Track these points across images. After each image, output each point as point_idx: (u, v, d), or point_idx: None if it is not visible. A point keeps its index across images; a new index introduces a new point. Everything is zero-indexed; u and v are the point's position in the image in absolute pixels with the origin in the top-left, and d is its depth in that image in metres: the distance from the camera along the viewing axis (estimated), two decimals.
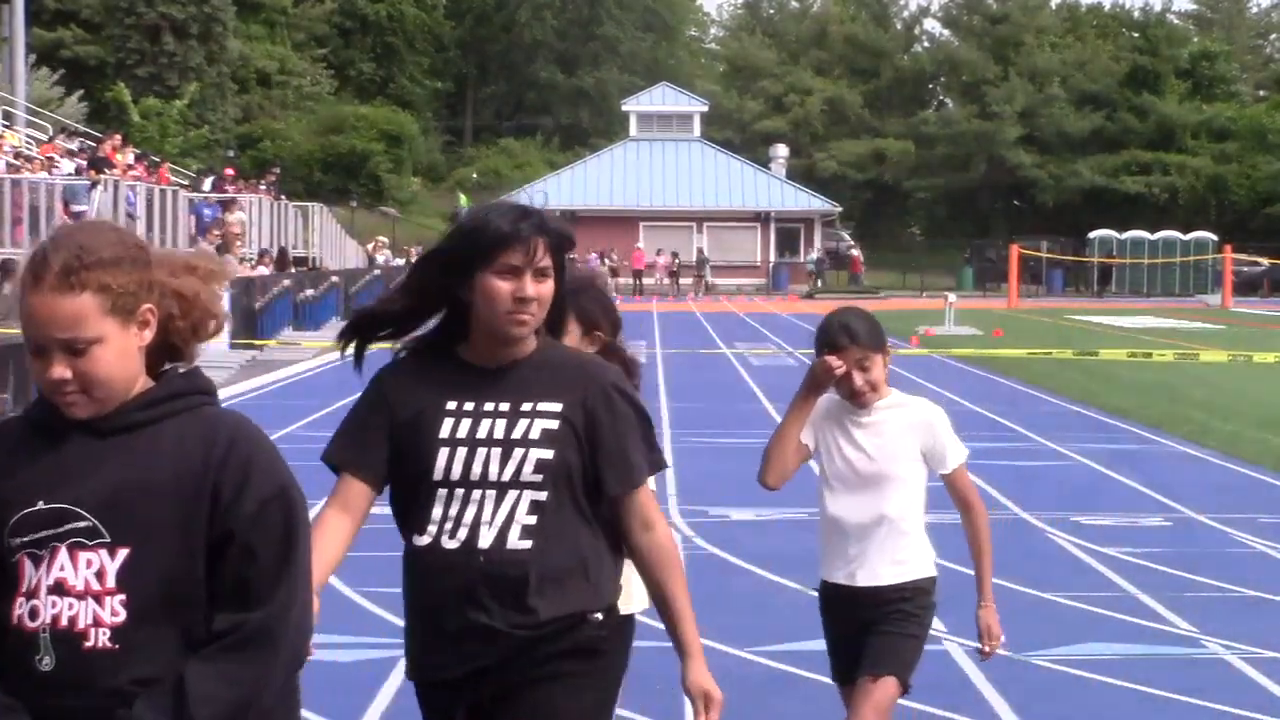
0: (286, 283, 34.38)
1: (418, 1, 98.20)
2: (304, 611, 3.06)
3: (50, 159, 32.65)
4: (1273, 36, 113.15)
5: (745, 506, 13.42)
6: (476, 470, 3.89)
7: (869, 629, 5.28)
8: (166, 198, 34.25)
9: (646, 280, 71.28)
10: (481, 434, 3.91)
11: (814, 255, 75.25)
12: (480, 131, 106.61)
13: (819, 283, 73.31)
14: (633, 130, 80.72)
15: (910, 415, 5.30)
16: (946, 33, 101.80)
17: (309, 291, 36.32)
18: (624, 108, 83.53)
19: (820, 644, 8.91)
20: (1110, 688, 8.06)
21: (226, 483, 3.00)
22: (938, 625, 9.24)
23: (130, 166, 34.92)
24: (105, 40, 72.75)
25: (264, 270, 37.26)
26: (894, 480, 5.27)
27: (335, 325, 37.94)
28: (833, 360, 5.18)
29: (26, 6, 47.40)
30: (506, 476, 3.88)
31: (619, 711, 7.51)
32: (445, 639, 3.95)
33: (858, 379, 5.21)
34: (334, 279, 40.31)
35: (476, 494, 3.89)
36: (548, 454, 3.87)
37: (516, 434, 3.89)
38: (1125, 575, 10.79)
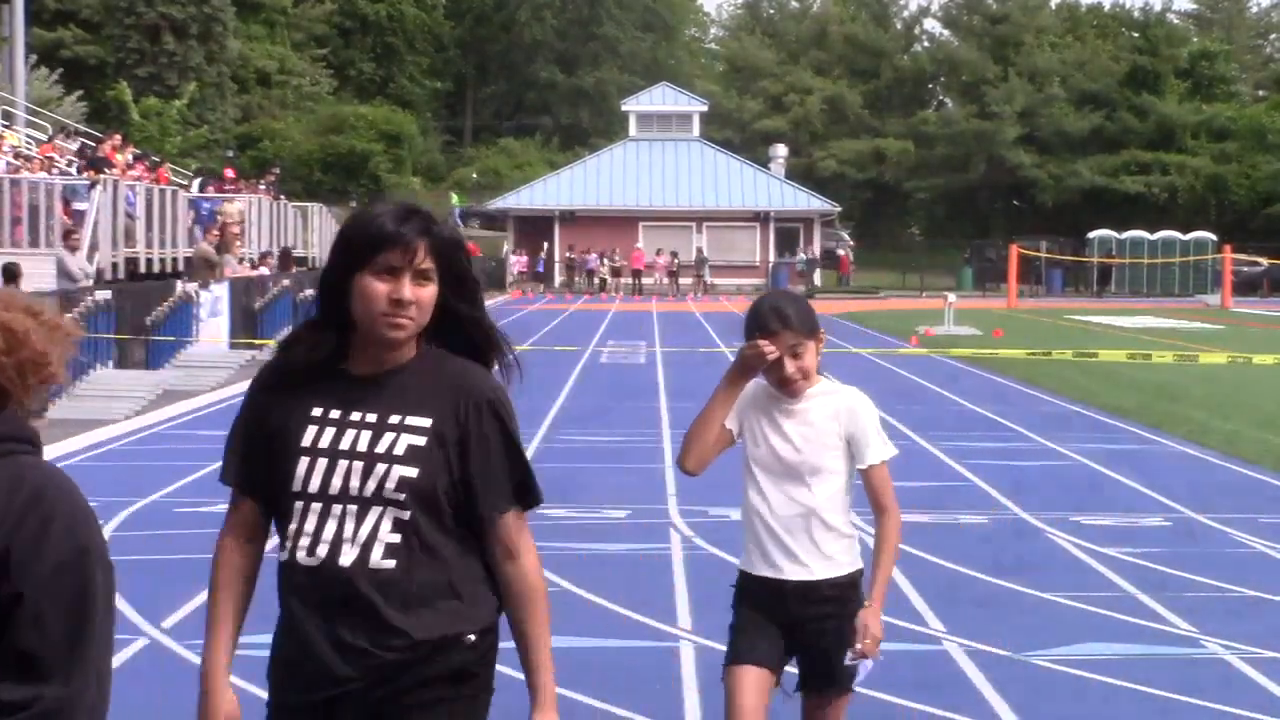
0: (286, 283, 34.37)
1: (418, 1, 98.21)
2: (100, 696, 2.74)
3: (50, 159, 32.64)
4: (1273, 36, 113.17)
5: None
6: (336, 484, 3.67)
7: (800, 629, 5.08)
8: (166, 197, 34.24)
9: (646, 280, 71.28)
10: (344, 445, 3.69)
11: (801, 255, 75.18)
12: (480, 131, 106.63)
13: (806, 284, 73.38)
14: (632, 130, 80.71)
15: (836, 402, 5.11)
16: (946, 33, 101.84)
17: (309, 291, 36.28)
18: (624, 108, 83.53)
19: None
20: (1110, 688, 8.06)
21: (21, 538, 2.70)
22: (937, 625, 9.26)
23: (130, 166, 34.91)
24: (105, 40, 72.75)
25: (265, 271, 37.28)
26: (821, 471, 5.06)
27: None
28: (764, 344, 5.01)
29: (26, 6, 47.40)
30: (369, 492, 3.66)
31: (618, 710, 7.53)
32: (308, 660, 3.71)
33: (789, 365, 5.04)
34: None
35: (337, 509, 3.67)
36: (411, 472, 3.65)
37: (380, 448, 3.67)
38: (1125, 575, 10.79)
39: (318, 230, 49.28)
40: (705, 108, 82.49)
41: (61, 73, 62.80)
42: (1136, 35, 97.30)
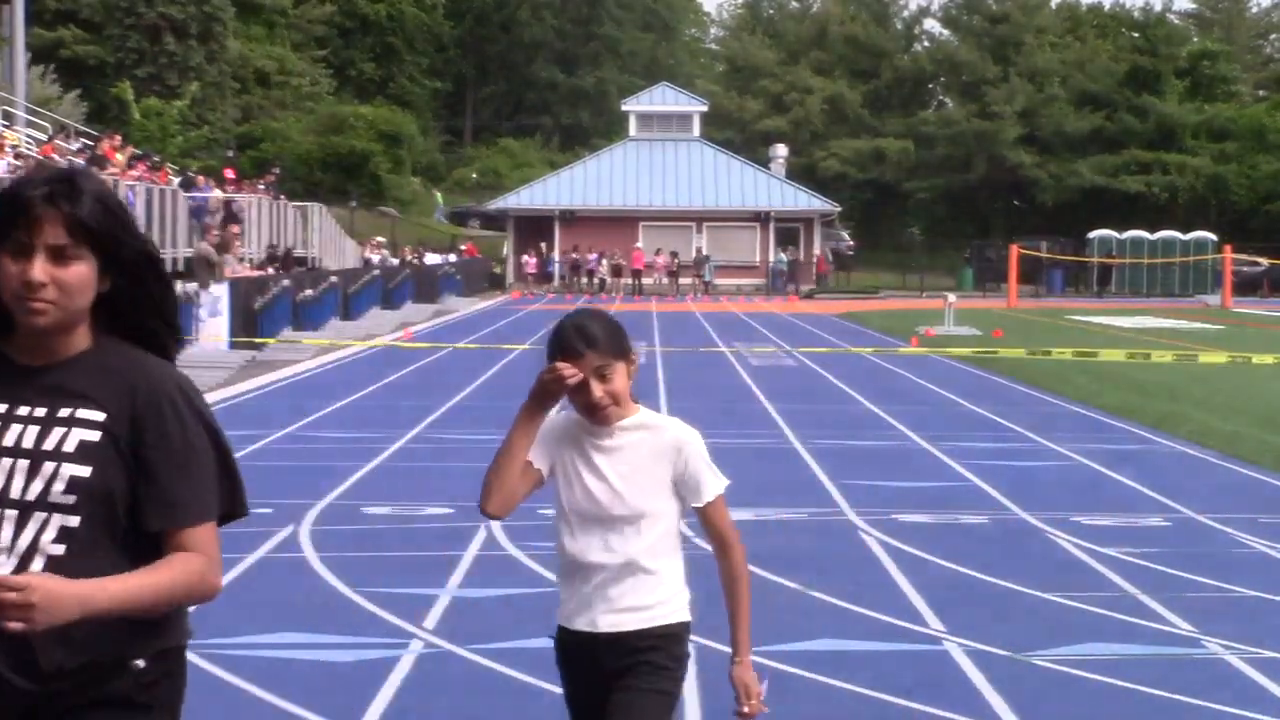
0: (286, 283, 34.38)
1: (418, 1, 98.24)
2: None
3: (50, 159, 32.64)
4: (1273, 36, 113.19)
5: (745, 506, 13.42)
6: None
7: (613, 683, 4.55)
8: (166, 197, 34.24)
9: (646, 280, 71.29)
10: (8, 442, 3.23)
11: (782, 256, 75.17)
12: (480, 131, 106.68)
13: (784, 283, 73.45)
14: (632, 130, 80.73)
15: (659, 439, 4.59)
16: (946, 33, 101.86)
17: (308, 291, 36.31)
18: (624, 108, 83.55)
19: (821, 644, 8.96)
20: (1110, 688, 8.05)
21: None
22: (937, 625, 9.26)
23: (130, 166, 34.93)
24: (105, 40, 72.77)
25: (271, 272, 37.33)
26: (641, 513, 4.54)
27: (334, 325, 37.96)
28: (564, 367, 4.49)
29: (26, 6, 47.41)
30: (32, 495, 3.20)
31: None
32: None
33: (596, 389, 4.53)
34: (333, 279, 40.30)
35: None
36: (83, 471, 3.21)
37: (49, 445, 3.22)
38: (1125, 575, 10.78)
39: (317, 230, 49.28)
40: (705, 108, 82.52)
41: (59, 72, 62.77)
42: (1136, 35, 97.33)
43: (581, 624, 4.58)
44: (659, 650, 4.56)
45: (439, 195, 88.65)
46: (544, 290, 70.98)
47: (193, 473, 3.27)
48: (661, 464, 4.58)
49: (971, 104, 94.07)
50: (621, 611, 4.55)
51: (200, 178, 41.08)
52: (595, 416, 4.57)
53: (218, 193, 37.22)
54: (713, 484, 4.64)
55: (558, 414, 4.64)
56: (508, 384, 24.96)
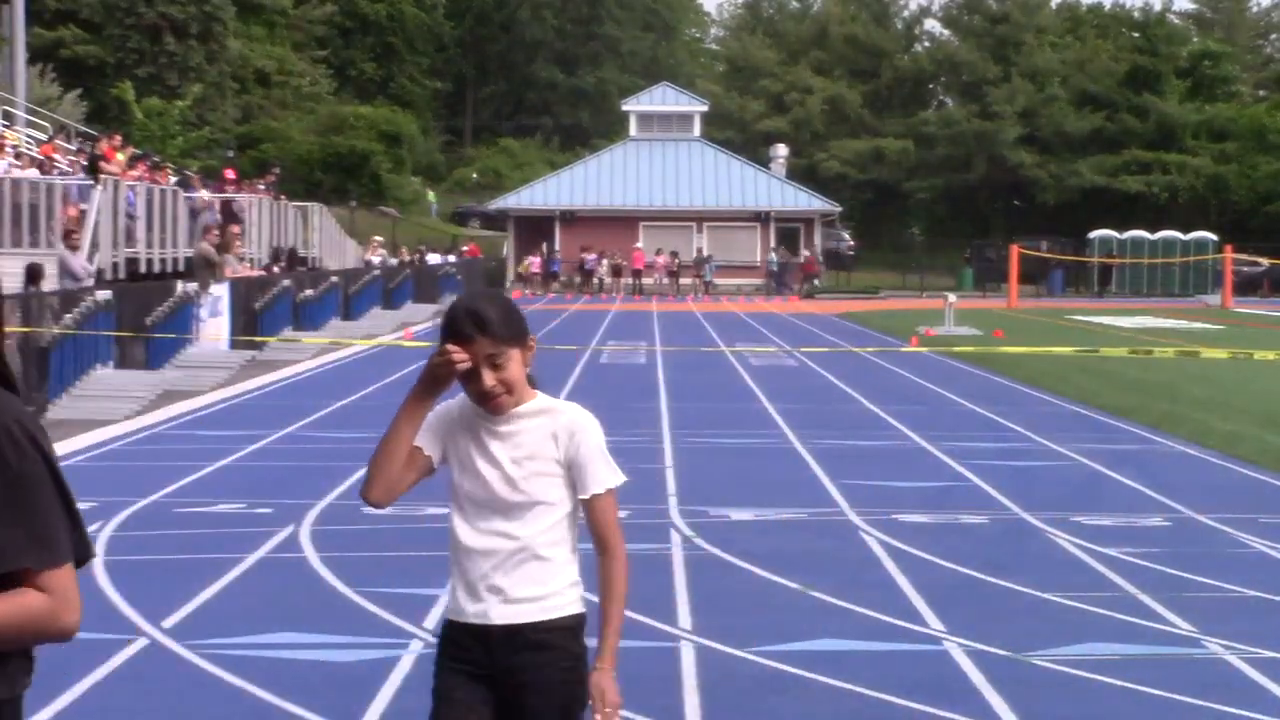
0: (286, 283, 34.38)
1: (418, 1, 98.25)
2: None
3: (50, 159, 32.65)
4: (1273, 36, 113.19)
5: (745, 506, 13.43)
6: None
7: (507, 680, 4.34)
8: (166, 197, 34.24)
9: (646, 280, 71.29)
10: None
11: (773, 255, 75.13)
12: (480, 131, 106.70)
13: (777, 284, 73.47)
14: (633, 130, 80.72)
15: (554, 422, 4.38)
16: (946, 33, 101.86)
17: (308, 291, 36.32)
18: (624, 108, 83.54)
19: (821, 644, 8.96)
20: (1110, 688, 8.05)
21: None
22: (937, 625, 9.26)
23: (130, 166, 34.91)
24: (105, 40, 72.78)
25: (277, 271, 37.35)
26: (536, 500, 4.34)
27: (335, 325, 37.96)
28: (455, 351, 4.29)
29: (26, 6, 47.41)
30: None
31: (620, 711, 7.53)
32: None
33: (488, 377, 4.32)
34: (333, 279, 40.31)
35: None
36: None
37: None
38: (1125, 575, 10.78)
39: (318, 230, 49.27)
40: (706, 108, 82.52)
41: (58, 72, 62.77)
42: (1137, 35, 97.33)
43: (473, 615, 4.37)
44: (555, 647, 4.36)
45: (431, 194, 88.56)
46: (544, 292, 70.91)
47: (20, 515, 2.96)
48: (555, 448, 4.37)
49: (972, 104, 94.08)
50: (515, 602, 4.35)
51: (195, 178, 41.06)
52: (487, 405, 4.37)
53: (203, 193, 37.20)
54: (603, 476, 4.38)
55: (454, 398, 4.45)
56: None
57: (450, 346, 4.30)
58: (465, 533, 4.38)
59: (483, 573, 4.35)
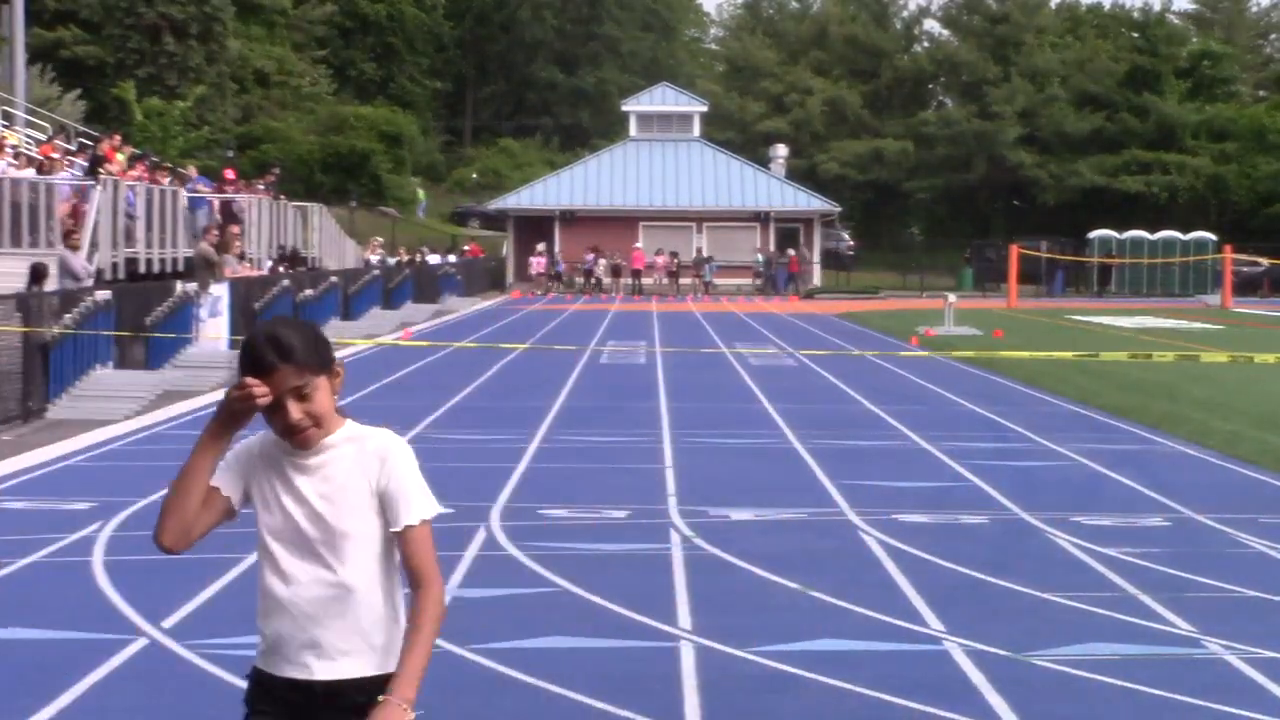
0: (286, 283, 34.38)
1: (418, 1, 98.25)
2: None
3: (50, 159, 32.64)
4: (1273, 36, 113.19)
5: (745, 506, 13.43)
6: None
7: None
8: (166, 197, 34.23)
9: (646, 280, 71.29)
10: None
11: (759, 255, 75.08)
12: (480, 131, 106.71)
13: (763, 283, 73.43)
14: (633, 130, 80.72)
15: (362, 450, 4.03)
16: (946, 33, 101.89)
17: (308, 291, 36.32)
18: (624, 108, 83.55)
19: (821, 644, 8.96)
20: (1110, 688, 8.05)
21: None
22: (937, 625, 9.26)
23: (130, 166, 34.90)
24: (105, 40, 72.77)
25: (282, 271, 37.36)
26: (350, 538, 3.98)
27: (335, 325, 37.97)
28: (255, 385, 3.93)
29: (26, 6, 47.40)
30: None
31: (619, 710, 7.53)
32: None
33: (293, 411, 3.95)
34: (333, 279, 40.31)
35: None
36: None
37: None
38: (1125, 575, 10.78)
39: (317, 230, 49.26)
40: (705, 108, 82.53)
41: (58, 72, 62.76)
42: (1136, 35, 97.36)
43: (288, 668, 4.00)
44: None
45: (421, 192, 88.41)
46: (543, 292, 70.89)
47: None
48: (365, 479, 4.01)
49: (971, 104, 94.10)
50: (336, 654, 3.98)
51: (188, 172, 41.01)
52: (293, 440, 3.99)
53: (182, 192, 37.22)
54: (417, 506, 4.02)
55: (254, 434, 4.08)
56: (507, 384, 24.97)
57: (250, 380, 3.94)
58: (276, 578, 4.01)
59: (297, 621, 3.99)
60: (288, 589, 3.99)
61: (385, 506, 4.01)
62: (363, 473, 4.01)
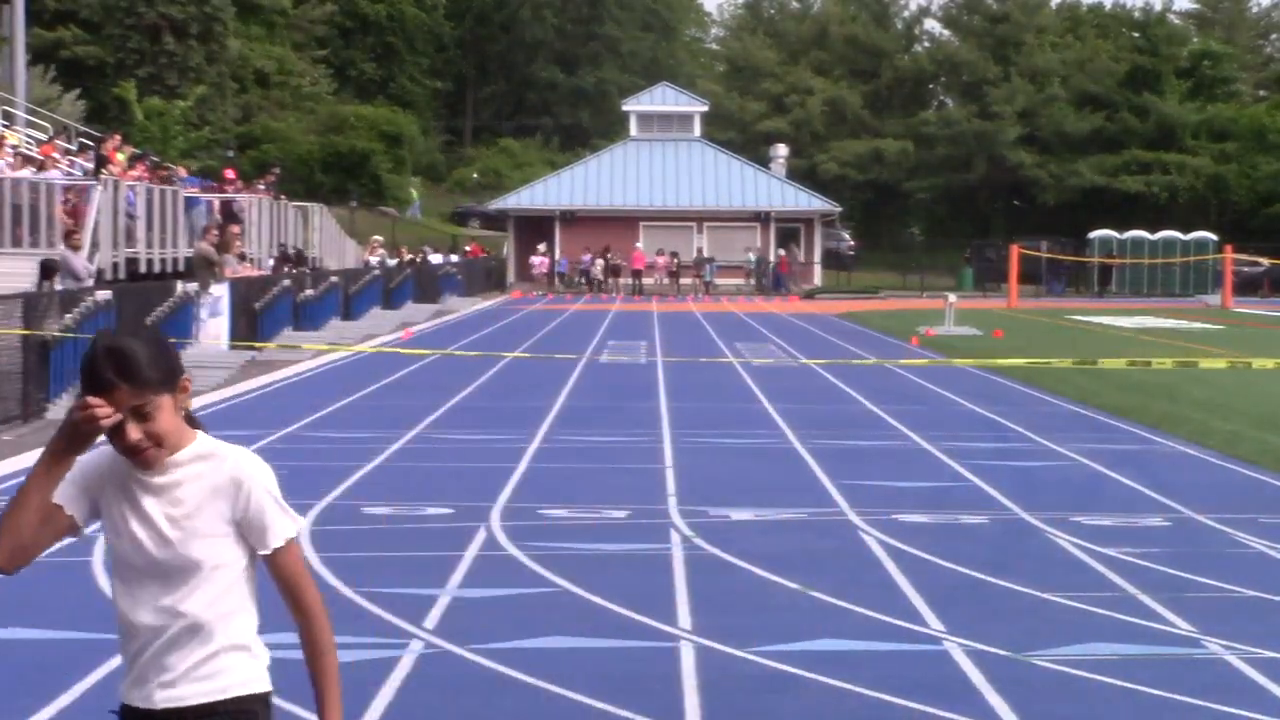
0: (286, 283, 34.38)
1: (418, 1, 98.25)
2: None
3: (50, 159, 32.64)
4: (1273, 36, 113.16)
5: (745, 506, 13.43)
6: None
7: None
8: (166, 197, 34.23)
9: (646, 280, 71.29)
10: None
11: (750, 255, 75.02)
12: (480, 131, 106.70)
13: (755, 283, 73.40)
14: (633, 130, 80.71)
15: (218, 472, 3.81)
16: (946, 33, 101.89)
17: (308, 291, 36.32)
18: (624, 108, 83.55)
19: (821, 644, 8.96)
20: (1110, 688, 8.05)
21: None
22: (937, 625, 9.26)
23: (130, 166, 34.90)
24: (105, 40, 72.78)
25: (286, 271, 37.37)
26: (198, 564, 3.80)
27: (335, 325, 37.97)
28: (97, 405, 3.70)
29: (26, 6, 47.40)
30: None
31: (618, 710, 7.53)
32: None
33: (133, 431, 3.74)
34: (333, 279, 40.31)
35: None
36: None
37: None
38: (1125, 575, 10.78)
39: (318, 230, 49.26)
40: (706, 108, 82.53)
41: (59, 72, 62.74)
42: (1137, 35, 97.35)
43: (137, 699, 3.82)
44: None
45: (414, 191, 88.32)
46: (543, 291, 70.87)
47: None
48: (220, 502, 3.81)
49: (971, 104, 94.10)
50: (180, 683, 3.80)
51: (179, 169, 41.01)
52: (134, 461, 3.80)
53: (180, 192, 37.25)
54: (281, 526, 3.84)
55: (105, 447, 3.88)
56: (507, 384, 24.96)
57: (92, 400, 3.71)
58: (125, 604, 3.82)
59: (147, 650, 3.81)
60: (137, 616, 3.82)
61: (246, 534, 3.83)
62: (216, 497, 3.81)
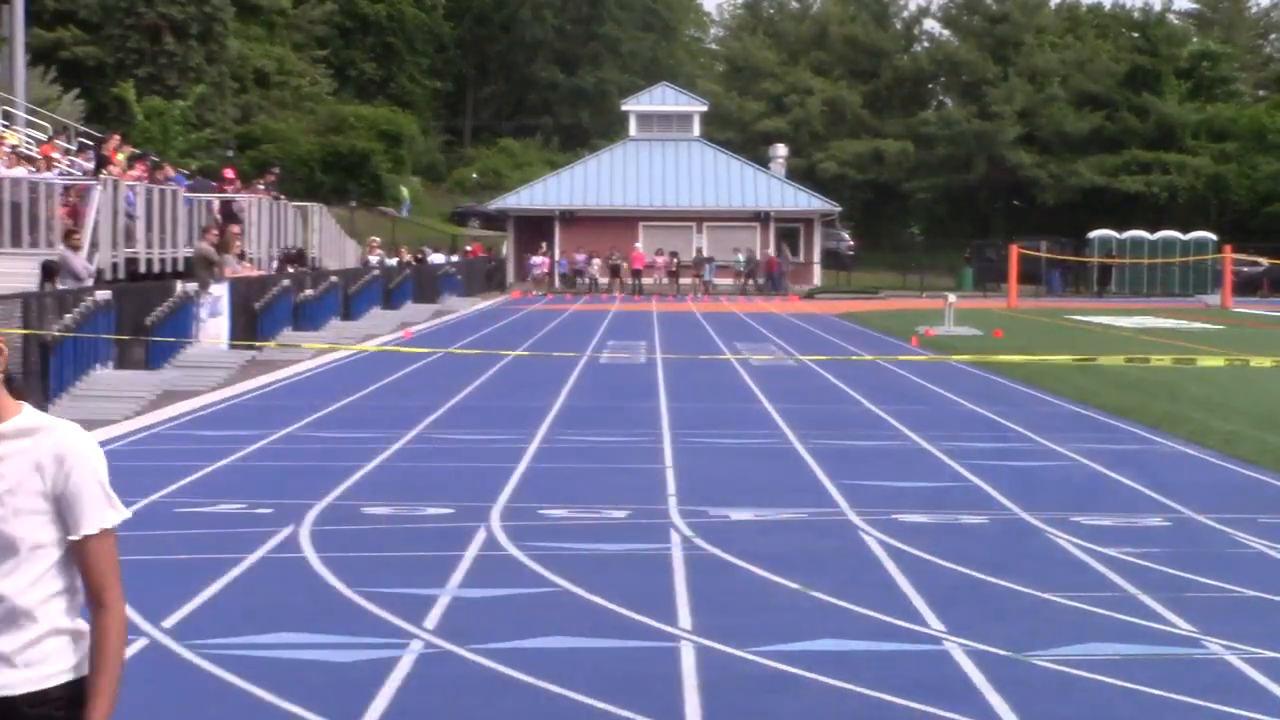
0: (286, 283, 34.38)
1: (418, 1, 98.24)
2: None
3: (50, 159, 32.64)
4: (1273, 36, 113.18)
5: (745, 506, 13.43)
6: None
7: None
8: (166, 197, 34.22)
9: (646, 280, 71.29)
10: None
11: (740, 255, 74.96)
12: (480, 131, 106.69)
13: (750, 283, 73.38)
14: (633, 130, 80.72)
15: (39, 447, 3.61)
16: (946, 33, 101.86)
17: (308, 291, 36.31)
18: (624, 108, 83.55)
19: (821, 644, 8.96)
20: (1110, 688, 8.05)
21: None
22: (937, 625, 9.26)
23: (130, 166, 34.89)
24: (105, 40, 72.77)
25: (289, 271, 37.39)
26: (18, 546, 3.60)
27: (335, 325, 37.97)
28: None
29: (26, 6, 47.39)
30: None
31: (618, 710, 7.53)
32: None
33: None
34: (333, 279, 40.31)
35: None
36: None
37: None
38: (1125, 575, 10.78)
39: (317, 230, 49.26)
40: (705, 108, 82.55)
41: (59, 72, 62.75)
42: (1136, 35, 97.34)
43: None
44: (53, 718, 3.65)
45: (405, 190, 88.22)
46: (543, 291, 70.86)
47: None
48: (39, 479, 3.61)
49: (971, 104, 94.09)
50: (4, 670, 3.62)
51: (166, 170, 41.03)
52: None
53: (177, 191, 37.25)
54: (97, 512, 3.63)
55: None
56: (507, 384, 24.96)
57: None
58: None
59: None
60: None
61: (62, 512, 3.62)
62: (36, 472, 3.61)
